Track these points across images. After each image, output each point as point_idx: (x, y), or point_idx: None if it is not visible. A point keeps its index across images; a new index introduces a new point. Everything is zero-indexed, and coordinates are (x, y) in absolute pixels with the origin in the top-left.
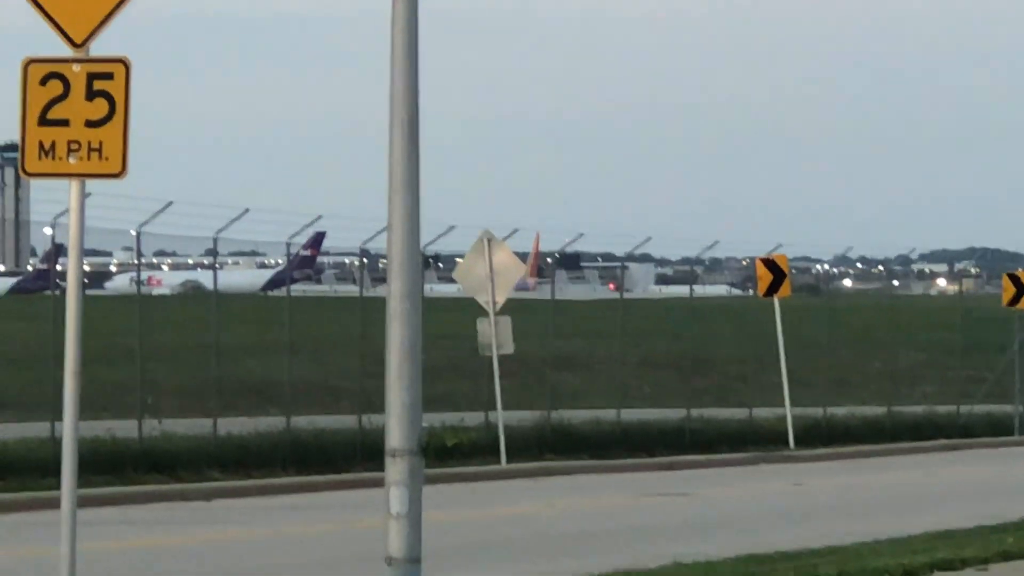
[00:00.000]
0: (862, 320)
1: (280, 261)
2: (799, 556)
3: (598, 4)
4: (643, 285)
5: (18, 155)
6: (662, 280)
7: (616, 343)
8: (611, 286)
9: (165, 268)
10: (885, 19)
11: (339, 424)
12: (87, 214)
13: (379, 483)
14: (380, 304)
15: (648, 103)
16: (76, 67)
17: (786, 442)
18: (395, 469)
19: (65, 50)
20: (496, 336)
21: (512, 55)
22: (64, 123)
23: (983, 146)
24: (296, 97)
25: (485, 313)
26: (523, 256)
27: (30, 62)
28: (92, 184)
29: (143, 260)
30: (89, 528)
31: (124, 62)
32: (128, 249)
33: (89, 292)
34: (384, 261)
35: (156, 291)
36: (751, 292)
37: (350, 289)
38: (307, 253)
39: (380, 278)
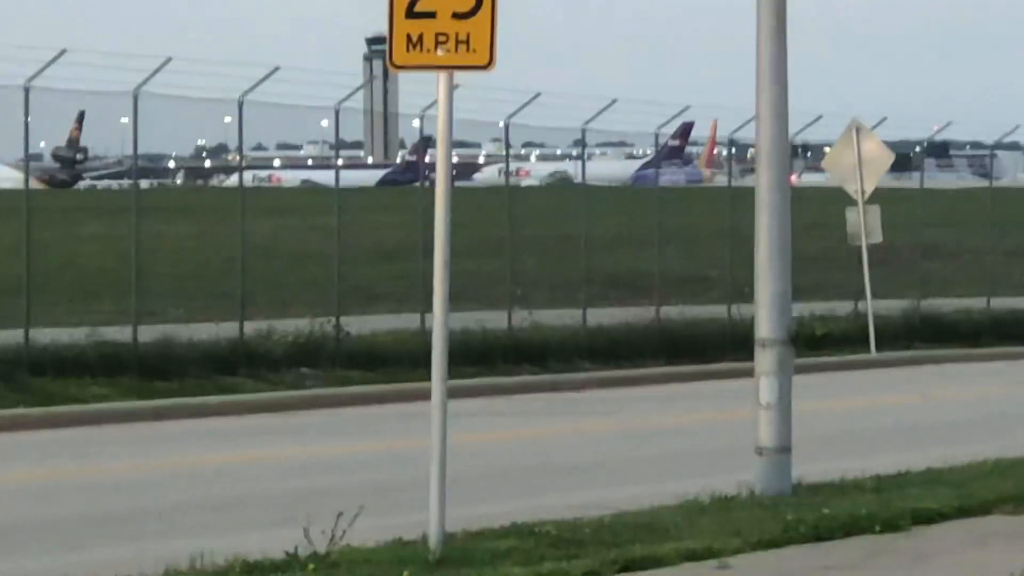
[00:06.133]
0: None
1: (648, 151)
2: None
3: None
4: (1012, 173)
5: (386, 48)
6: None
7: (985, 232)
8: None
9: (533, 159)
10: None
11: (708, 314)
12: (455, 106)
13: (749, 373)
14: (749, 194)
15: None
16: None
17: None
18: (765, 359)
19: None
20: (865, 225)
21: None
22: (431, 15)
23: None
24: None
25: (854, 202)
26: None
27: None
28: (460, 76)
29: (511, 151)
30: (460, 419)
31: None
32: (496, 140)
33: (458, 184)
34: (753, 151)
35: (524, 182)
36: None
37: (718, 180)
38: (675, 143)
39: (749, 168)
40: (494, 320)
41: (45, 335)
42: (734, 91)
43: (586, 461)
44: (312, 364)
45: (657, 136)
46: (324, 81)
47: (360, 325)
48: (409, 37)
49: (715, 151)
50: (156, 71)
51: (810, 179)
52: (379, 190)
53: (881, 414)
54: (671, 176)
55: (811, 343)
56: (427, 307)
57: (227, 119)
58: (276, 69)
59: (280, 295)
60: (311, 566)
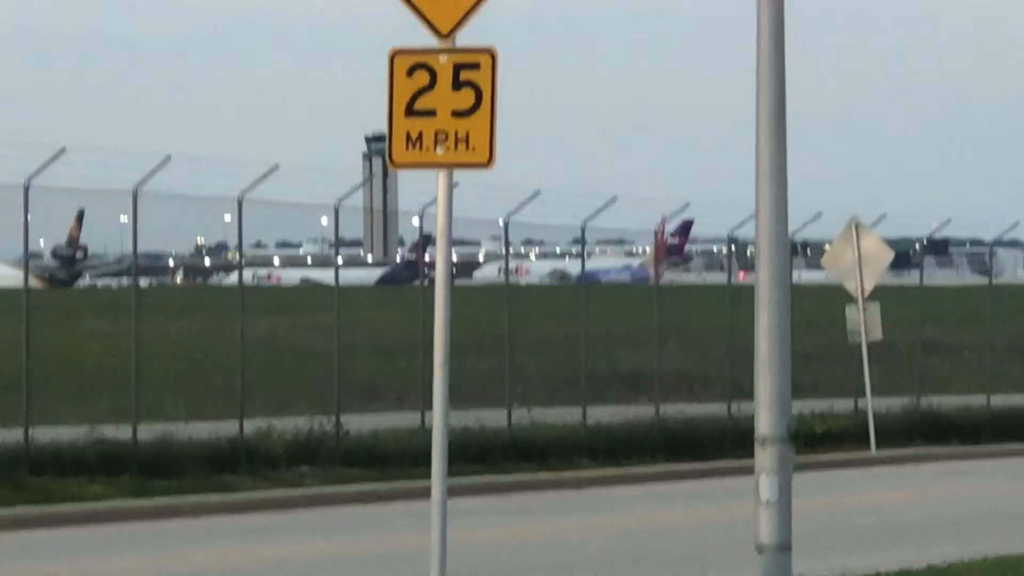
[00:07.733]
0: None
1: (648, 249)
2: None
3: None
4: (1012, 270)
5: (385, 146)
6: None
7: (985, 329)
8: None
9: (533, 257)
10: None
11: (708, 412)
12: (454, 204)
13: (748, 471)
14: (748, 292)
15: (1011, 87)
16: (442, 58)
17: None
18: (765, 457)
19: (431, 41)
20: (865, 322)
21: (873, 38)
22: (431, 114)
23: None
24: (661, 84)
25: (854, 300)
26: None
27: (396, 53)
28: (459, 174)
29: (511, 249)
30: (460, 518)
31: (491, 52)
32: (496, 238)
33: (457, 282)
34: (752, 248)
35: (524, 280)
36: None
37: (718, 277)
38: (675, 241)
39: (748, 265)
40: (494, 418)
41: (45, 434)
42: (736, 186)
43: (586, 559)
44: (312, 462)
45: (656, 234)
46: (323, 179)
47: (360, 423)
48: (408, 135)
49: (663, 250)
50: (156, 169)
51: (810, 276)
52: (378, 288)
53: (881, 511)
54: (616, 275)
55: (811, 440)
56: (427, 405)
57: (227, 217)
58: (275, 167)
59: (280, 393)
60: None
